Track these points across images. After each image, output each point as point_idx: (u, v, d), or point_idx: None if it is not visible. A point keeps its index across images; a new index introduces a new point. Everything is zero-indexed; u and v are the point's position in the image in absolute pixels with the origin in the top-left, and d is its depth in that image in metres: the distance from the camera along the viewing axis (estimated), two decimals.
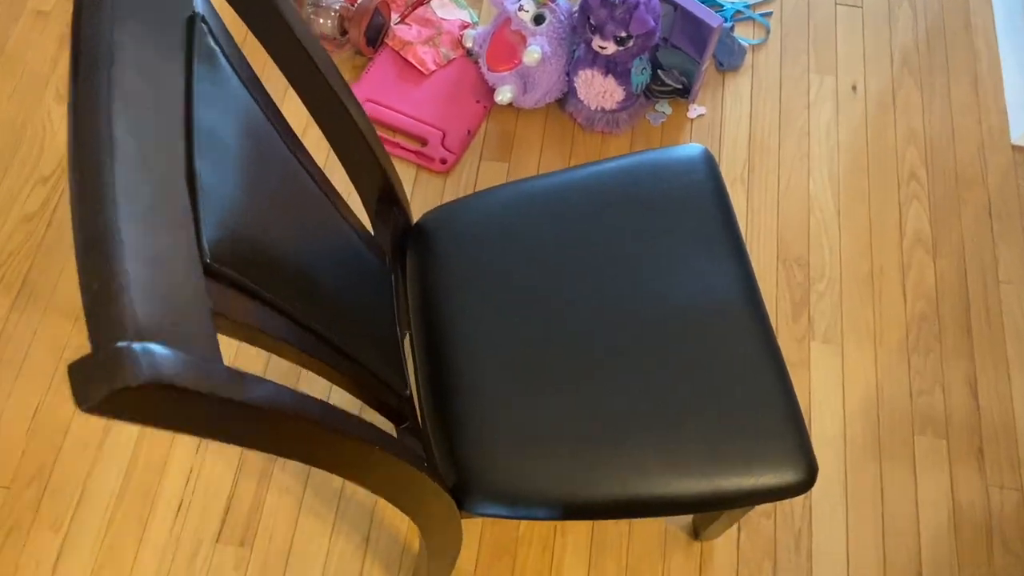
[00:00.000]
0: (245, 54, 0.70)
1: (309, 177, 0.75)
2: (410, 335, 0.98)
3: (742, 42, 1.65)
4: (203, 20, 0.60)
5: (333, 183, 0.82)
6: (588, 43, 1.40)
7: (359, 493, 1.26)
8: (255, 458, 1.27)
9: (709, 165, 1.05)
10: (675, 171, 1.04)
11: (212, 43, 0.61)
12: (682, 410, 0.90)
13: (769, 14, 1.69)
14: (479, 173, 1.51)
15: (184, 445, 1.27)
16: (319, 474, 1.27)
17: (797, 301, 1.42)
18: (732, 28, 1.67)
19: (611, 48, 1.37)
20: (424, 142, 1.52)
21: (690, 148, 1.07)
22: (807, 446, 0.90)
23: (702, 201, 1.02)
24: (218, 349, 0.49)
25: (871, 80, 1.63)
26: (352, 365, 0.73)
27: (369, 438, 0.60)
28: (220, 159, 0.58)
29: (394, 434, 0.86)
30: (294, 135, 0.74)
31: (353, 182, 0.92)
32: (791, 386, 0.93)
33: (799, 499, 1.27)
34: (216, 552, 1.21)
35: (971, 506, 1.29)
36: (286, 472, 1.26)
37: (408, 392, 0.87)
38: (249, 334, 0.57)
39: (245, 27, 0.71)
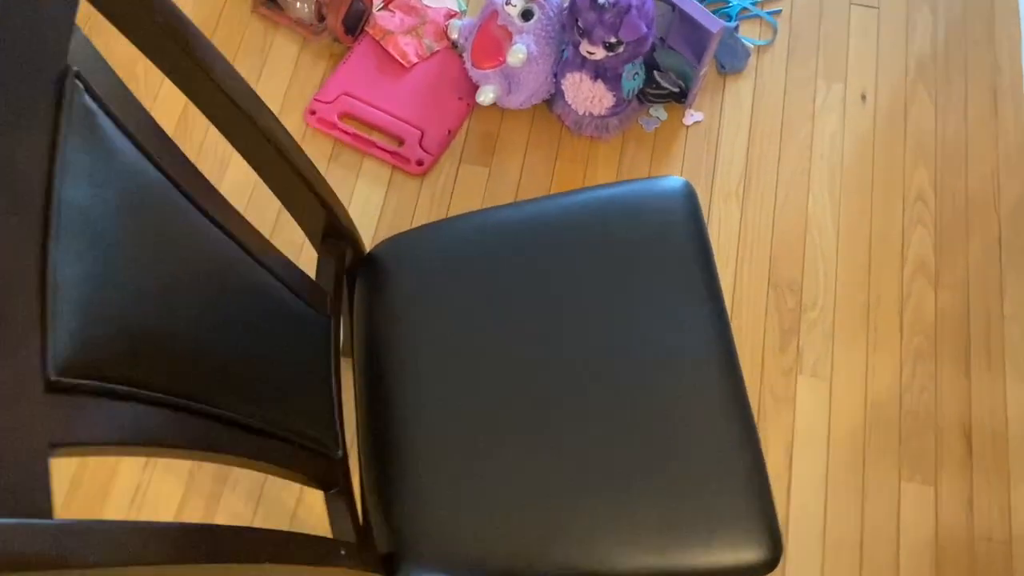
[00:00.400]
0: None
1: (227, 237, 0.67)
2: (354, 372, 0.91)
3: (746, 43, 1.54)
4: (78, 76, 0.52)
5: (290, 229, 0.74)
6: (576, 45, 1.31)
7: (312, 518, 1.21)
8: (205, 477, 1.21)
9: (689, 200, 0.97)
10: (652, 208, 0.96)
11: (90, 102, 0.53)
12: (637, 477, 0.83)
13: (778, 12, 1.58)
14: (457, 177, 1.42)
15: (130, 460, 1.22)
16: (270, 494, 1.21)
17: (786, 329, 1.34)
18: (737, 28, 1.56)
19: (600, 54, 1.28)
20: (401, 141, 1.43)
21: (670, 181, 0.98)
22: (772, 522, 0.83)
23: (678, 242, 0.94)
24: (49, 497, 0.42)
25: (882, 89, 1.52)
26: (265, 442, 0.67)
27: (253, 555, 0.54)
28: (89, 243, 0.51)
29: (323, 501, 0.80)
30: (213, 194, 0.66)
31: (297, 221, 0.84)
32: (760, 454, 0.86)
33: None
34: None
35: (956, 559, 1.22)
36: (236, 493, 1.21)
37: (341, 452, 0.81)
38: (111, 448, 0.50)
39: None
